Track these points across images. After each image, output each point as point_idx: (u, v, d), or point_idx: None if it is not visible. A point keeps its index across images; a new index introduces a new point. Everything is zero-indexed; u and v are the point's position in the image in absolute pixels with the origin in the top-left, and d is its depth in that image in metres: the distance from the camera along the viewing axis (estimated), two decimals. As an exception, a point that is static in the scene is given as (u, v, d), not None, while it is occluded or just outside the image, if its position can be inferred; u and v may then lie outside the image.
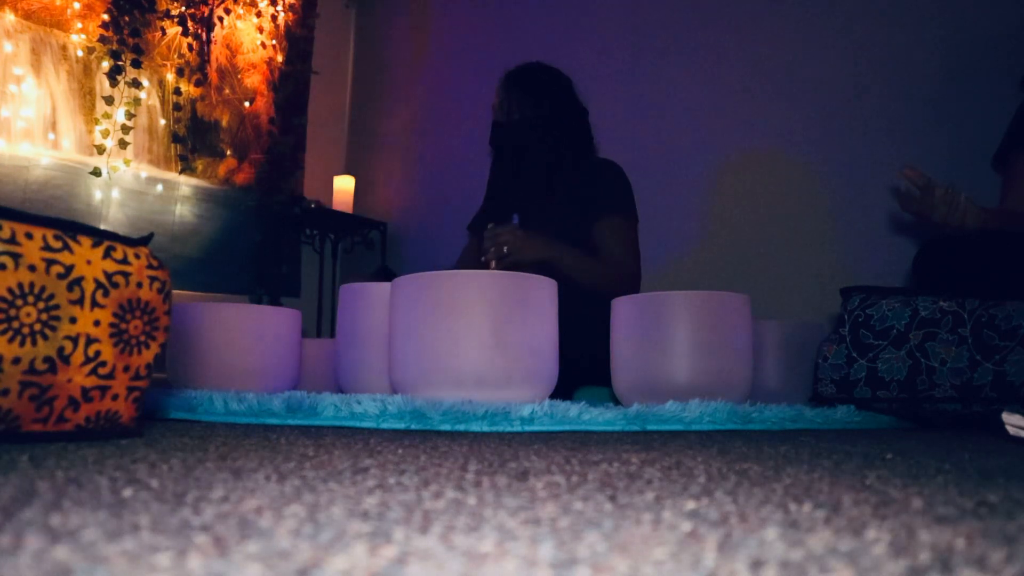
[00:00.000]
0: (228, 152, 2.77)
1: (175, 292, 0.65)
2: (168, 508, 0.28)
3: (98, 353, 0.56)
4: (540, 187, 1.58)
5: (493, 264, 1.42)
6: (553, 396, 0.98)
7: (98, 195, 2.39)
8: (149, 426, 0.72)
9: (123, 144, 2.42)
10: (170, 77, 2.60)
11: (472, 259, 1.72)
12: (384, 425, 0.79)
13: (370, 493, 0.33)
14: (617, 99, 2.27)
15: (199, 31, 2.68)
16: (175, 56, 2.62)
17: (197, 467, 0.41)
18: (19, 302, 0.51)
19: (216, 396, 0.90)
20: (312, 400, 0.87)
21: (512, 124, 1.60)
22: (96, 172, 2.36)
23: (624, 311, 1.07)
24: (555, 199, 1.55)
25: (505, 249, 1.39)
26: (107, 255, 0.57)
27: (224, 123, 2.77)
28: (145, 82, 2.51)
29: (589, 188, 1.53)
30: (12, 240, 0.51)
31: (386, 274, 1.84)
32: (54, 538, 0.23)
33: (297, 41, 3.01)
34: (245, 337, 1.16)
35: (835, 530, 0.27)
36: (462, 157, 2.69)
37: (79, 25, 2.37)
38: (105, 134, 2.39)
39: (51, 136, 2.30)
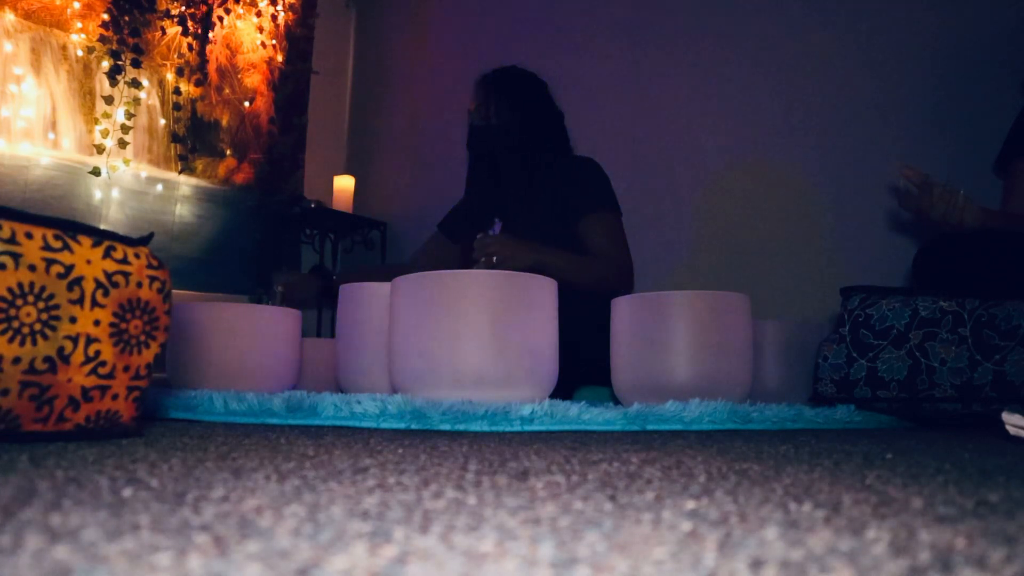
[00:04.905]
0: (228, 152, 2.77)
1: (175, 292, 0.65)
2: (168, 508, 0.28)
3: (98, 353, 0.56)
4: (521, 190, 1.59)
5: None
6: (553, 396, 0.98)
7: (98, 195, 2.39)
8: (149, 426, 0.72)
9: (123, 144, 2.42)
10: (170, 77, 2.60)
11: (433, 255, 1.75)
12: (384, 425, 0.79)
13: (370, 493, 0.33)
14: (617, 99, 2.27)
15: (199, 31, 2.68)
16: (175, 56, 2.62)
17: (197, 467, 0.41)
18: (19, 302, 0.51)
19: (216, 396, 0.90)
20: (312, 400, 0.87)
21: (490, 128, 1.62)
22: (96, 172, 2.35)
23: (624, 311, 1.07)
24: (536, 201, 1.57)
25: (495, 259, 1.36)
26: (107, 255, 0.57)
27: (224, 123, 2.77)
28: (145, 82, 2.51)
29: (569, 186, 1.54)
30: (12, 240, 0.51)
31: (322, 272, 1.86)
32: (54, 538, 0.23)
33: (297, 41, 3.01)
34: (245, 337, 1.16)
35: (835, 530, 0.27)
36: (462, 157, 2.67)
37: (79, 25, 2.37)
38: (105, 134, 2.39)
39: (51, 136, 2.30)
